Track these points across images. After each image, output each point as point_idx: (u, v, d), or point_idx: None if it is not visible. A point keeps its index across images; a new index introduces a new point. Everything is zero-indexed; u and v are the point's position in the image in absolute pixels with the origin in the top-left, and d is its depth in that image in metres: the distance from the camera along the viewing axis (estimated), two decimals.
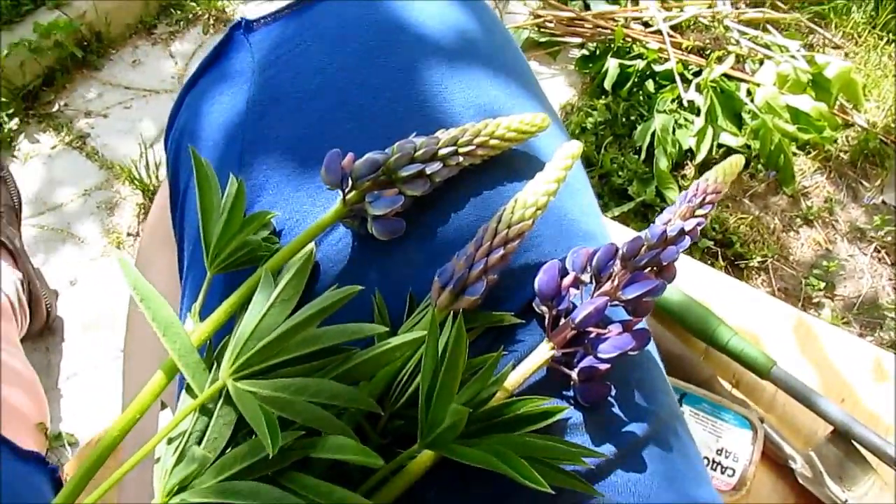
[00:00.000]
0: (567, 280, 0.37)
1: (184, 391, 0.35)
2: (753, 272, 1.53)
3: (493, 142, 0.41)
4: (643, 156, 1.64)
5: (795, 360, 0.86)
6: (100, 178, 1.64)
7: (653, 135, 1.64)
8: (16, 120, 1.69)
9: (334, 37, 0.46)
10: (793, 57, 1.74)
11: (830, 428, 0.78)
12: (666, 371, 0.81)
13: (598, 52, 1.86)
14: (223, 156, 0.45)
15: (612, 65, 1.76)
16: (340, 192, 0.39)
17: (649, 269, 0.38)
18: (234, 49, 0.48)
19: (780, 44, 1.81)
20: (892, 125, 1.73)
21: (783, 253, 1.57)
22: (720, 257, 1.54)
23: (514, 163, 0.44)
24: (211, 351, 0.36)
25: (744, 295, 0.91)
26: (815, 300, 1.51)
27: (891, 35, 1.94)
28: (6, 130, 1.66)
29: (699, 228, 0.40)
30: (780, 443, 0.77)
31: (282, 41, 0.47)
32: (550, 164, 0.39)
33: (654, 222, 0.40)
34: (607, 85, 1.75)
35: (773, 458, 0.78)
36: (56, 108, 1.75)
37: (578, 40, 1.89)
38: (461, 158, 0.40)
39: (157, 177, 1.60)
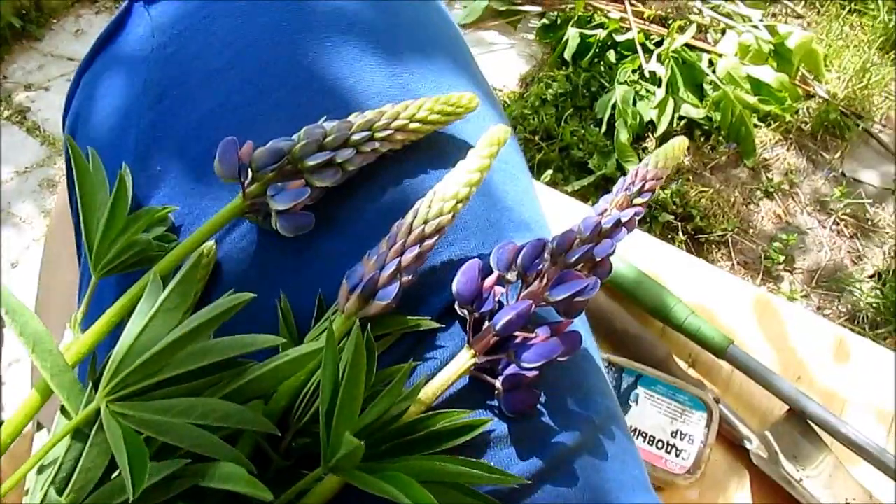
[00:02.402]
0: (489, 280, 0.34)
1: (58, 413, 0.31)
2: (714, 246, 1.52)
3: (413, 125, 0.37)
4: (604, 128, 1.61)
5: (753, 337, 0.85)
6: (41, 154, 1.56)
7: (613, 106, 1.60)
8: None
9: (243, 8, 0.42)
10: (755, 27, 1.71)
11: (787, 407, 0.77)
12: (622, 351, 0.80)
13: (558, 22, 1.82)
14: (118, 144, 0.40)
15: (572, 34, 1.72)
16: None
17: (582, 264, 0.35)
18: (133, 23, 0.43)
19: (743, 13, 1.78)
20: (853, 96, 1.72)
21: (743, 226, 1.55)
22: (680, 231, 1.52)
23: (439, 148, 0.40)
24: (94, 367, 0.32)
25: (702, 272, 0.89)
26: (775, 273, 1.50)
27: (852, 4, 1.92)
28: None
29: (637, 219, 0.37)
30: (736, 423, 0.77)
31: (185, 13, 0.42)
32: (473, 151, 0.35)
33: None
34: (568, 55, 1.71)
35: (728, 439, 0.77)
36: None
37: (539, 9, 1.84)
38: (377, 144, 0.36)
39: None
